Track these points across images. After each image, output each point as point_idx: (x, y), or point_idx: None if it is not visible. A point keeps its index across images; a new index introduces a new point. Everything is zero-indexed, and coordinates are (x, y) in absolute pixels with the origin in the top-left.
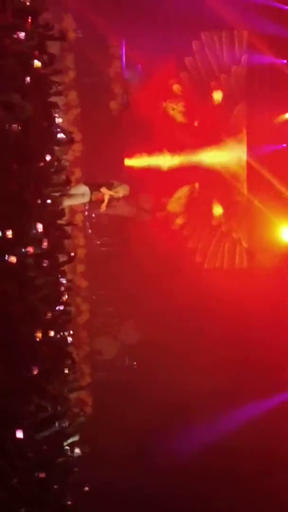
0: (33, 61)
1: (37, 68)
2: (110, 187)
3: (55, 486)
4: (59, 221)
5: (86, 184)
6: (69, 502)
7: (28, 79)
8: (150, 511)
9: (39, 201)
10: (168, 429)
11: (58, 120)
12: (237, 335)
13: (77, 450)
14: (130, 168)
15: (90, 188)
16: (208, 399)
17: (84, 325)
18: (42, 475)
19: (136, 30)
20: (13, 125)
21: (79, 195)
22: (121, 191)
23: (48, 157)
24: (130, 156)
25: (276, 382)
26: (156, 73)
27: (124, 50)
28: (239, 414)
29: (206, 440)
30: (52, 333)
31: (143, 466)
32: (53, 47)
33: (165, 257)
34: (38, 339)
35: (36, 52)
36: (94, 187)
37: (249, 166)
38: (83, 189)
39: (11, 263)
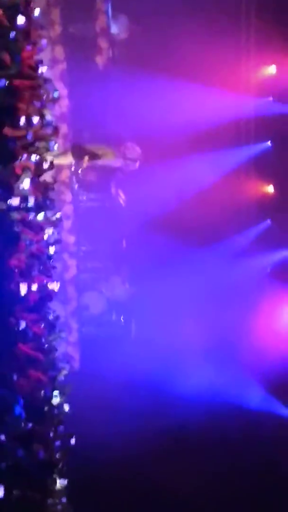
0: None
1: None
2: (95, 156)
3: (42, 438)
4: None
5: (72, 153)
6: (56, 456)
7: (13, 34)
8: (136, 466)
9: (24, 157)
10: (158, 384)
11: (45, 76)
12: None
13: (65, 406)
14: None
15: (75, 158)
16: (197, 355)
17: (71, 281)
18: (29, 426)
19: None
20: (1, 82)
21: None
22: (107, 156)
23: (35, 116)
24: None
25: None
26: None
27: (110, 4)
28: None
29: (196, 392)
30: (35, 287)
31: (131, 422)
32: (39, 2)
33: (156, 209)
34: (22, 294)
35: (21, 7)
36: (79, 157)
37: None
38: (69, 159)
39: None
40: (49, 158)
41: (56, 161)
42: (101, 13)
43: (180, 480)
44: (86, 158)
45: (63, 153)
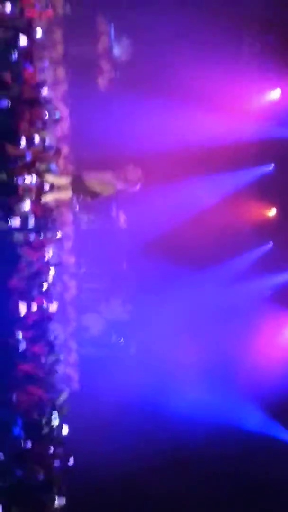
0: (19, 38)
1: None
2: (94, 194)
3: (40, 457)
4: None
5: (72, 189)
6: (55, 475)
7: (15, 54)
8: (134, 485)
9: (25, 178)
10: (157, 405)
11: (46, 96)
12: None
13: (64, 427)
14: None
15: (74, 193)
16: (196, 376)
17: (71, 302)
18: (28, 445)
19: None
20: (2, 102)
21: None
22: (107, 191)
23: (36, 137)
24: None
25: None
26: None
27: (112, 26)
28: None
29: (194, 415)
30: (35, 307)
31: (130, 442)
32: (41, 22)
33: (156, 231)
34: (22, 314)
35: (23, 28)
36: (79, 193)
37: None
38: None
39: None
40: (48, 196)
41: (56, 196)
42: (103, 34)
43: (177, 499)
44: (87, 198)
45: (63, 188)
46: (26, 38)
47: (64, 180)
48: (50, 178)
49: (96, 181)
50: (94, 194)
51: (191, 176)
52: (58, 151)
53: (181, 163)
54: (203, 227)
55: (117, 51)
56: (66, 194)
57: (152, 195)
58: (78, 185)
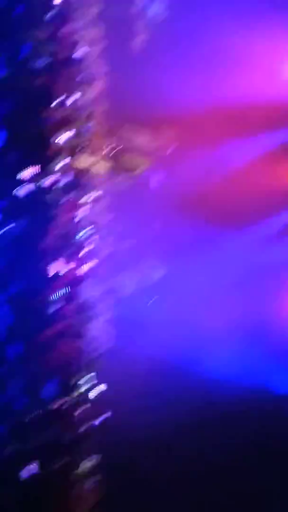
0: None
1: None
2: (130, 169)
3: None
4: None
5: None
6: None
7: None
8: (167, 442)
9: (59, 137)
10: (190, 363)
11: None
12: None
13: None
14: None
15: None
16: (228, 337)
17: (104, 261)
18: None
19: None
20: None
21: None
22: (143, 166)
23: (70, 96)
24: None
25: None
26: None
27: None
28: None
29: (228, 374)
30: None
31: (162, 401)
32: None
33: (189, 191)
34: (54, 275)
35: None
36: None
37: None
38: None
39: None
40: (83, 163)
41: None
42: None
43: (209, 458)
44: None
45: (99, 162)
46: None
47: (100, 168)
48: (83, 161)
49: (131, 155)
50: (130, 169)
51: (226, 136)
52: (91, 112)
53: (217, 123)
54: (238, 188)
55: (153, 10)
56: (103, 167)
57: (187, 155)
58: (114, 162)
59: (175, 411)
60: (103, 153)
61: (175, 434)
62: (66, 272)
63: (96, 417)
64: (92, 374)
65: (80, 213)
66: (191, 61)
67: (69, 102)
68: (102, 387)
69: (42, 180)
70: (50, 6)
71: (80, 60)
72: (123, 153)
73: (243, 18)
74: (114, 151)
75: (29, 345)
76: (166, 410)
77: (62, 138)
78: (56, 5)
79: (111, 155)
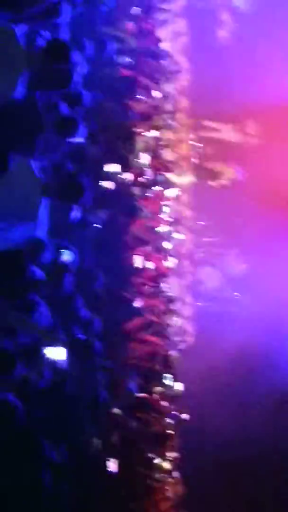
0: None
1: None
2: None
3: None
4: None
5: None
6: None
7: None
8: (244, 437)
9: (143, 132)
10: (269, 358)
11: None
12: None
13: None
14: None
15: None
16: None
17: (187, 255)
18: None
19: None
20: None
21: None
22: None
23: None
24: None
25: None
26: None
27: None
28: None
29: None
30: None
31: (242, 396)
32: None
33: (274, 185)
34: (138, 268)
35: None
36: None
37: None
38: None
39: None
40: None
41: (178, 181)
42: None
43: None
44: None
45: (184, 173)
46: None
47: (185, 179)
48: (168, 155)
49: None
50: (214, 176)
51: None
52: (176, 108)
53: None
54: None
55: (238, 2)
56: (188, 179)
57: (271, 149)
58: (199, 171)
59: (255, 400)
60: (188, 161)
61: (253, 427)
62: (149, 266)
63: (176, 412)
64: (173, 370)
65: (164, 208)
66: (275, 55)
67: (153, 96)
68: (181, 384)
69: (126, 174)
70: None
71: (164, 54)
72: (207, 161)
73: None
74: (199, 159)
75: (113, 340)
76: (245, 402)
77: (147, 132)
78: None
79: (196, 163)
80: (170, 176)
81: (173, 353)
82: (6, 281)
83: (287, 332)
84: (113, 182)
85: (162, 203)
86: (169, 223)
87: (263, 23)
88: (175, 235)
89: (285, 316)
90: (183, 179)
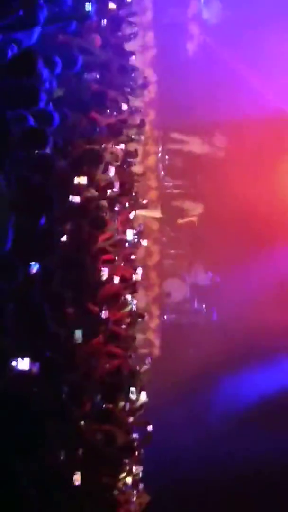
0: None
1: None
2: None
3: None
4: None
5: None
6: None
7: (104, 21)
8: (211, 452)
9: (110, 145)
10: (237, 374)
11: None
12: None
13: (143, 393)
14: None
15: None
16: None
17: (154, 267)
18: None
19: None
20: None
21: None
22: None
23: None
24: None
25: None
26: None
27: None
28: None
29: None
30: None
31: (208, 407)
32: None
33: (239, 199)
34: (105, 280)
35: None
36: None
37: None
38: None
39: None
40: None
41: (146, 214)
42: None
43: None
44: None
45: (153, 208)
46: (115, 5)
47: (154, 214)
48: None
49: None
50: (183, 214)
51: (280, 145)
52: (143, 121)
53: (272, 133)
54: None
55: (207, 14)
56: (156, 214)
57: (238, 162)
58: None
59: (221, 413)
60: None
61: (219, 440)
62: (116, 279)
63: (141, 425)
64: (139, 383)
65: (131, 219)
66: (246, 66)
67: (121, 109)
68: (145, 395)
69: (95, 187)
70: (102, 15)
71: (132, 68)
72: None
73: None
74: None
75: (78, 352)
76: (211, 415)
77: (115, 145)
78: (108, 14)
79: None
80: (136, 187)
81: (139, 366)
82: None
83: (253, 344)
84: (80, 195)
85: (129, 215)
86: (137, 235)
87: (232, 37)
88: (143, 247)
89: (251, 328)
90: (151, 188)
